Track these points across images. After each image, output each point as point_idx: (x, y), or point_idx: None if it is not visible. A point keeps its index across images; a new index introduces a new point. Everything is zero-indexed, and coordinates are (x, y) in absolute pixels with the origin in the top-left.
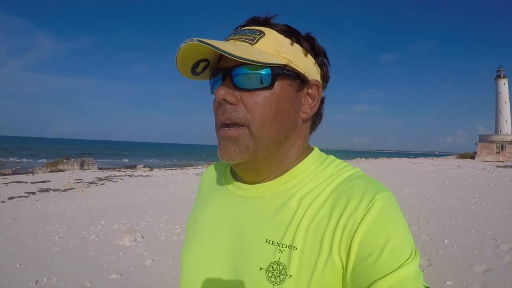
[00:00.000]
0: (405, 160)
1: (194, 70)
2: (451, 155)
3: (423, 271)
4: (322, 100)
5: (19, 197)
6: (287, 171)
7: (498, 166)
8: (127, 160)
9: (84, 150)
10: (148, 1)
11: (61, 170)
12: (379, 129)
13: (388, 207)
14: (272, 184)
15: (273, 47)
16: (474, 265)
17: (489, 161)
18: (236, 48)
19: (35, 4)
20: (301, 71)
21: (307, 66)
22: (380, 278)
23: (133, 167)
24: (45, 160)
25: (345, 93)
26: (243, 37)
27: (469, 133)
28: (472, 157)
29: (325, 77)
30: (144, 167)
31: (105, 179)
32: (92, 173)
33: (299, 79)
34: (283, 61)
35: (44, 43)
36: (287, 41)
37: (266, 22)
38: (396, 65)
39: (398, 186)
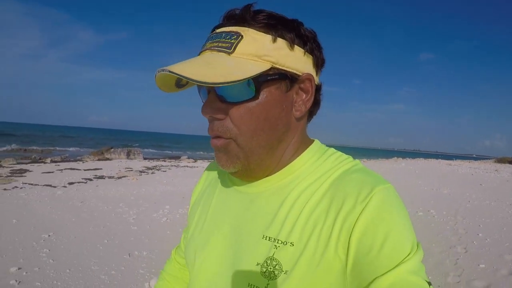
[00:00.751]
0: (442, 162)
1: (178, 83)
2: (489, 159)
3: (459, 257)
4: (319, 88)
5: (78, 182)
6: (285, 166)
7: None
8: (169, 152)
9: (123, 141)
10: None
11: (108, 159)
12: (415, 129)
13: (387, 200)
14: (271, 180)
15: (253, 51)
16: (504, 254)
17: None
18: (208, 69)
19: None
20: (288, 69)
21: (295, 60)
22: (380, 275)
23: (177, 158)
24: (90, 149)
25: (381, 91)
26: (220, 44)
27: (509, 137)
28: (511, 162)
29: (318, 63)
30: (188, 158)
31: (153, 168)
32: (139, 163)
33: (288, 78)
34: (266, 66)
35: (82, 35)
36: (267, 38)
37: (243, 19)
38: (435, 64)
39: (436, 186)
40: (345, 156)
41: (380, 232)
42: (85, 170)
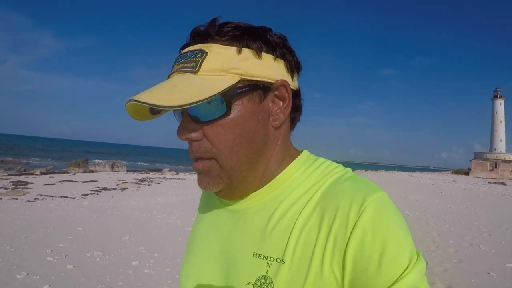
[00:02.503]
0: (404, 174)
1: (153, 110)
2: (446, 170)
3: (434, 237)
4: (297, 93)
5: (91, 194)
6: (271, 180)
7: (489, 182)
8: (146, 164)
9: (87, 152)
10: (148, 5)
11: (92, 171)
12: (375, 142)
13: (382, 210)
14: (257, 195)
15: (218, 67)
16: (465, 235)
17: (482, 178)
18: (174, 93)
19: (37, 1)
20: (259, 79)
21: (264, 69)
22: None
23: (159, 170)
24: (62, 161)
25: (342, 105)
26: (186, 65)
27: (464, 149)
28: (466, 173)
29: (291, 67)
30: (170, 170)
31: (144, 180)
32: (125, 175)
33: (260, 88)
34: (234, 79)
35: (43, 41)
36: (232, 51)
37: (207, 35)
38: (396, 79)
39: (403, 194)
40: (335, 164)
41: (376, 246)
42: (82, 182)
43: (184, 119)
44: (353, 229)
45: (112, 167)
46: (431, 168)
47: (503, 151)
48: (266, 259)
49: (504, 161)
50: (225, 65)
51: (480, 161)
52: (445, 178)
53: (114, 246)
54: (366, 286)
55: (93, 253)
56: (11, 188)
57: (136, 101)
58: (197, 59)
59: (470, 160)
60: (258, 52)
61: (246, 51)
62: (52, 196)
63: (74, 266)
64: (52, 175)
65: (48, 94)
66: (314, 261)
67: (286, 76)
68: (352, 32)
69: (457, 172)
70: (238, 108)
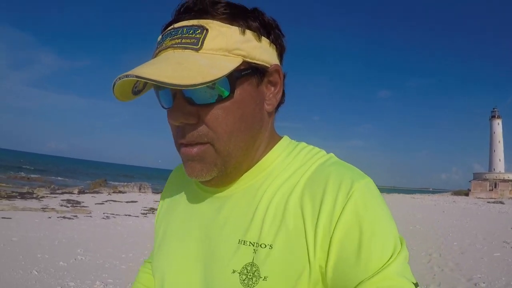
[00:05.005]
0: (406, 196)
1: (134, 90)
2: (446, 192)
3: (441, 243)
4: (284, 78)
5: (147, 213)
6: (255, 164)
7: (488, 202)
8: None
9: (101, 171)
10: (148, 25)
11: (121, 192)
12: (373, 165)
13: (369, 196)
14: (241, 181)
15: (223, 46)
16: (466, 239)
17: (482, 198)
18: (180, 70)
19: (39, 19)
20: (259, 62)
21: (263, 52)
22: (364, 281)
23: None
24: (77, 180)
25: (340, 127)
26: (183, 41)
27: (464, 170)
28: (466, 194)
29: (281, 51)
30: None
31: None
32: (154, 196)
33: (258, 72)
34: (238, 61)
35: (45, 59)
36: (235, 30)
37: (204, 10)
38: (392, 101)
39: (411, 213)
40: (317, 149)
41: (364, 232)
42: (126, 202)
43: (177, 102)
44: (340, 214)
45: (140, 189)
46: (431, 189)
47: (502, 170)
48: (253, 245)
49: (504, 180)
50: (229, 45)
51: (480, 181)
52: (445, 199)
53: None
54: (350, 273)
55: None
56: (71, 207)
57: (137, 76)
58: (197, 36)
59: (470, 181)
60: (259, 35)
61: (248, 33)
62: (118, 215)
63: None
64: (88, 194)
65: (48, 111)
66: (300, 246)
67: (277, 61)
68: (347, 53)
69: (457, 193)
70: (239, 92)
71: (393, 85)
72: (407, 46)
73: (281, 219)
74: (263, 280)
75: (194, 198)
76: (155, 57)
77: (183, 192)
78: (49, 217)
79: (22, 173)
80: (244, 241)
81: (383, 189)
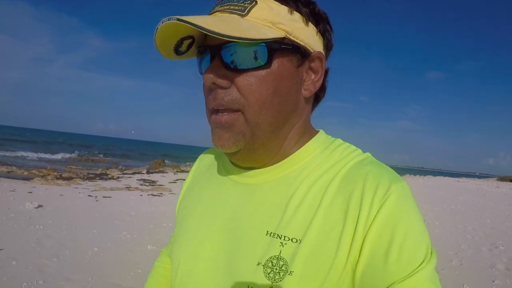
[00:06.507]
0: (451, 179)
1: (177, 50)
2: (492, 177)
3: (484, 223)
4: (326, 72)
5: None
6: (288, 156)
7: None
8: None
9: (151, 152)
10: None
11: (183, 171)
12: (420, 147)
13: (404, 200)
14: (274, 170)
15: (268, 18)
16: (505, 222)
17: None
18: (222, 24)
19: (86, 3)
20: (301, 43)
21: (308, 36)
22: (394, 283)
23: None
24: (138, 161)
25: (388, 108)
26: (231, 7)
27: None
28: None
29: (328, 46)
30: None
31: None
32: None
33: (300, 52)
34: (280, 34)
35: (92, 42)
36: (283, 9)
37: None
38: (443, 83)
39: (453, 195)
40: (353, 147)
41: (398, 234)
42: (169, 182)
43: (214, 64)
44: (376, 215)
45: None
46: (477, 174)
47: None
48: (281, 238)
49: None
50: (274, 18)
51: None
52: (489, 184)
53: None
54: (380, 274)
55: None
56: (150, 185)
57: (178, 19)
58: (246, 5)
59: None
60: (307, 19)
61: (296, 14)
62: None
63: None
64: (156, 174)
65: (96, 93)
66: (333, 243)
67: (322, 50)
68: (398, 35)
69: (502, 178)
70: (277, 64)
71: (444, 66)
72: (457, 27)
73: (314, 214)
74: (289, 275)
75: (222, 184)
76: None
77: (211, 177)
78: (141, 195)
79: (87, 154)
80: (273, 233)
81: (429, 172)
